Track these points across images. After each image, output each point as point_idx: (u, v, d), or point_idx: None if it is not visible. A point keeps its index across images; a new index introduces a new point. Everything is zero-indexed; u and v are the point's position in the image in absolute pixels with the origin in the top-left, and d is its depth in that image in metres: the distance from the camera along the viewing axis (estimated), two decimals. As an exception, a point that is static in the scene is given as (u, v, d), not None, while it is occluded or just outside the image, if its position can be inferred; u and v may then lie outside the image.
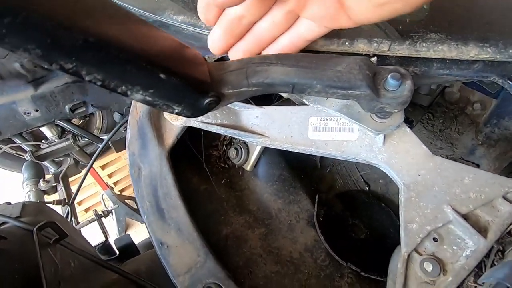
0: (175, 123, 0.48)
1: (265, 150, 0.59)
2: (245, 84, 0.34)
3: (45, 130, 1.64)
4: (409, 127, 0.78)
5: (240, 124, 0.50)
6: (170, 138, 0.49)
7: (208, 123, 0.48)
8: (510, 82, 0.42)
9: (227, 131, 0.48)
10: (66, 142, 1.64)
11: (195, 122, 0.47)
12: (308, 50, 0.47)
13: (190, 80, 0.29)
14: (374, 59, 0.42)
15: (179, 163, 0.51)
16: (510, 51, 0.40)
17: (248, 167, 0.58)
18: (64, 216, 1.41)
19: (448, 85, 0.70)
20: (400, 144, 0.44)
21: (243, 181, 0.59)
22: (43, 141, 1.72)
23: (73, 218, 1.51)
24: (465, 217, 0.40)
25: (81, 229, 1.40)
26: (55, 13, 0.19)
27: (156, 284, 0.57)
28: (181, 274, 0.42)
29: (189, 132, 0.56)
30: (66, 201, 1.38)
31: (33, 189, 1.47)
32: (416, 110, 0.75)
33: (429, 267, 0.38)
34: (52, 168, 1.76)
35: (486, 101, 0.76)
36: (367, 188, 0.68)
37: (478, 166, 0.79)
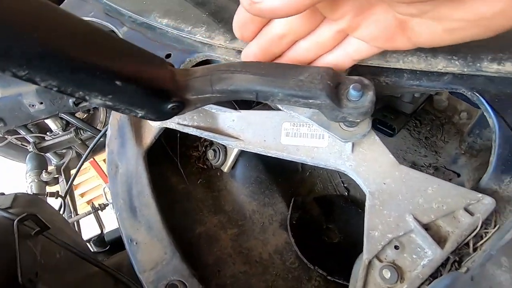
0: (153, 123, 0.49)
1: (243, 153, 0.60)
2: (209, 91, 0.35)
3: (50, 123, 1.66)
4: (391, 134, 0.80)
5: (216, 127, 0.51)
6: (149, 138, 0.51)
7: (185, 125, 0.49)
8: (478, 95, 0.43)
9: (203, 133, 0.49)
10: (69, 135, 1.67)
11: (172, 124, 0.48)
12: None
13: (149, 86, 0.30)
14: (347, 68, 0.43)
15: (160, 163, 0.52)
16: (478, 64, 0.41)
17: (225, 168, 0.59)
18: (61, 208, 1.44)
19: (432, 93, 0.70)
20: (368, 153, 0.44)
21: (221, 182, 0.61)
22: (47, 133, 1.74)
23: (71, 210, 1.54)
24: (426, 227, 0.41)
25: (84, 221, 1.43)
26: (4, 22, 0.20)
27: (134, 279, 0.58)
28: (146, 270, 0.43)
29: (171, 133, 0.57)
30: (60, 193, 1.41)
31: (35, 180, 1.51)
32: (399, 117, 0.75)
33: (387, 274, 0.39)
34: (54, 160, 1.79)
35: (472, 111, 0.76)
36: (346, 193, 0.69)
37: (459, 175, 0.80)
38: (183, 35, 0.55)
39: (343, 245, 0.59)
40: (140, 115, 0.32)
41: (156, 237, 0.45)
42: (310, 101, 0.35)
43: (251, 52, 0.37)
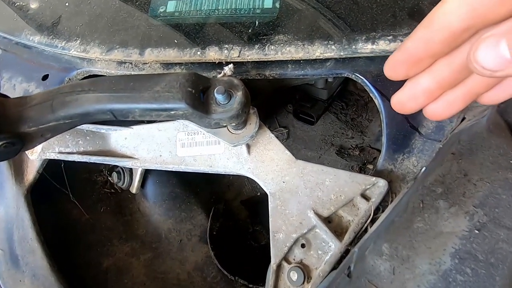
0: (31, 157, 0.44)
1: (152, 170, 0.56)
2: (52, 118, 0.30)
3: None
4: (312, 122, 0.80)
5: (108, 148, 0.46)
6: (31, 173, 0.45)
7: (68, 153, 0.44)
8: (361, 77, 0.42)
9: (91, 159, 0.44)
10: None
11: (51, 154, 0.43)
12: (165, 62, 0.44)
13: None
14: (230, 66, 0.40)
15: (55, 197, 0.47)
16: (354, 46, 0.40)
17: (134, 189, 0.55)
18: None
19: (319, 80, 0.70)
20: (264, 152, 0.42)
21: (133, 204, 0.56)
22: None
23: None
24: (329, 219, 0.40)
25: None
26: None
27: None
28: (33, 328, 0.38)
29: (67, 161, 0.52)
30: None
31: None
32: (316, 105, 0.75)
33: (294, 276, 0.37)
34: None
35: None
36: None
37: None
38: (59, 52, 0.49)
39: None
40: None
41: (43, 285, 0.40)
42: (172, 112, 0.32)
43: (420, 88, 0.28)
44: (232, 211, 0.61)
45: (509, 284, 0.26)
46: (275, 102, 0.82)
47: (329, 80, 0.72)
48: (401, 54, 0.26)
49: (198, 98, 0.32)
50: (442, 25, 0.23)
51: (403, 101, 0.29)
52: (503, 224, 0.30)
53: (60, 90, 0.31)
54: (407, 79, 0.28)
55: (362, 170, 0.76)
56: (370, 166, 0.76)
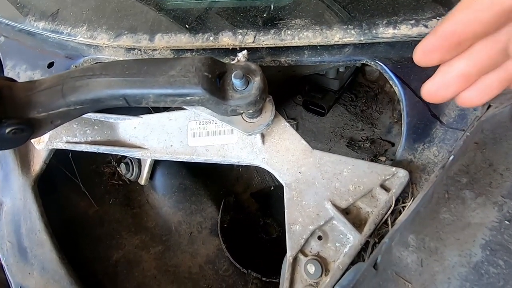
0: (38, 146, 0.42)
1: (161, 161, 0.54)
2: (63, 104, 0.29)
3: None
4: (322, 113, 0.78)
5: (117, 138, 0.45)
6: (38, 164, 0.43)
7: (76, 143, 0.42)
8: (381, 64, 0.40)
9: (99, 149, 0.43)
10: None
11: (59, 143, 0.41)
12: (175, 48, 0.43)
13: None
14: (244, 52, 0.39)
15: (62, 188, 0.45)
16: (374, 31, 0.38)
17: (142, 181, 0.54)
18: None
19: (341, 68, 0.68)
20: (280, 142, 0.41)
21: (142, 197, 0.55)
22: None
23: None
24: (347, 211, 0.39)
25: None
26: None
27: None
28: (43, 321, 0.37)
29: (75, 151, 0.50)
30: None
31: None
32: (327, 95, 0.73)
33: (312, 269, 0.36)
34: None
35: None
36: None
37: (393, 144, 0.80)
38: (64, 39, 0.48)
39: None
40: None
41: (53, 278, 0.39)
42: (188, 98, 0.30)
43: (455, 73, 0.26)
44: (242, 203, 0.60)
45: (545, 276, 0.25)
46: (283, 94, 0.81)
47: (341, 70, 0.70)
48: (437, 38, 0.24)
49: (215, 83, 0.31)
50: (492, 3, 0.21)
51: (435, 89, 0.27)
52: (534, 214, 0.29)
53: (71, 74, 0.30)
54: (440, 65, 0.27)
55: (373, 162, 0.74)
56: (382, 158, 0.75)
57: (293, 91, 0.79)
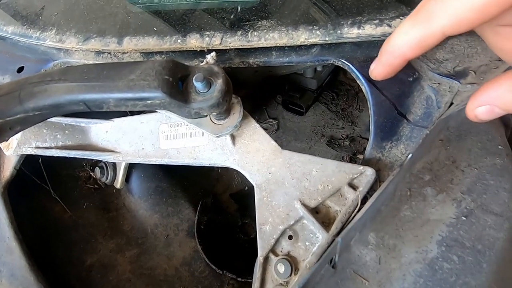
0: (7, 152, 0.42)
1: (137, 164, 0.54)
2: (21, 110, 0.29)
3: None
4: (302, 112, 0.78)
5: (88, 142, 0.45)
6: (8, 170, 0.43)
7: (46, 148, 0.42)
8: (347, 63, 0.41)
9: (70, 153, 0.43)
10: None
11: (28, 149, 0.41)
12: (144, 51, 0.42)
13: None
14: (213, 54, 0.39)
15: (34, 194, 0.45)
16: (339, 31, 0.38)
17: (118, 184, 0.53)
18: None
19: (307, 68, 0.69)
20: (250, 143, 0.41)
21: (119, 200, 0.55)
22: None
23: None
24: (316, 210, 0.39)
25: None
26: None
27: None
28: (11, 329, 0.37)
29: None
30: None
31: None
32: (305, 95, 0.74)
33: (281, 268, 0.36)
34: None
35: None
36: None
37: None
38: (34, 43, 0.47)
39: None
40: None
41: (22, 285, 0.38)
42: (149, 102, 0.30)
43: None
44: (221, 204, 0.60)
45: (496, 270, 0.25)
46: (264, 93, 0.81)
47: (318, 69, 0.71)
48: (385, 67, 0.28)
49: (176, 86, 0.31)
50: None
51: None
52: (490, 210, 0.30)
53: (29, 80, 0.30)
54: None
55: (352, 160, 0.75)
56: (361, 156, 0.76)
57: (273, 91, 0.79)
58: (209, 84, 0.31)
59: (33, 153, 0.41)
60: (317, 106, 0.86)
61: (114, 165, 0.53)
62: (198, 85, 0.31)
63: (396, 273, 0.26)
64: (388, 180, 0.33)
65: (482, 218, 0.28)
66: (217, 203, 0.60)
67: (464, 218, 0.29)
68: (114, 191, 0.55)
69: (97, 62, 0.44)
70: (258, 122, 0.76)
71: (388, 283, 0.25)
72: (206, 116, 0.35)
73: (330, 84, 0.83)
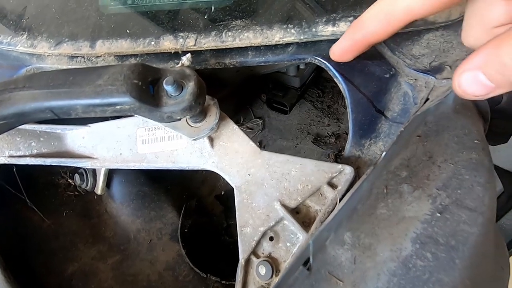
0: (-21, 161, 0.41)
1: (118, 169, 0.53)
2: None
3: None
4: (286, 111, 0.78)
5: (65, 149, 0.44)
6: (-19, 179, 0.42)
7: (20, 156, 0.41)
8: (324, 61, 0.41)
9: (46, 161, 0.42)
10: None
11: (1, 158, 0.40)
12: (118, 54, 0.41)
13: None
14: (188, 56, 0.38)
15: (11, 203, 0.44)
16: (314, 30, 0.38)
17: (98, 191, 0.53)
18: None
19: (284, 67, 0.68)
20: (229, 145, 0.41)
21: (100, 206, 0.54)
22: None
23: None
24: (297, 210, 0.39)
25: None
26: None
27: None
28: None
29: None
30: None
31: None
32: (289, 93, 0.73)
33: (263, 270, 0.36)
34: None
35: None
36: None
37: None
38: (5, 48, 0.46)
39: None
40: None
41: (-2, 300, 0.38)
42: (118, 107, 0.29)
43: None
44: (206, 207, 0.60)
45: (469, 265, 0.25)
46: (249, 92, 0.80)
47: (301, 67, 0.70)
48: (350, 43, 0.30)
49: (146, 90, 0.30)
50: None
51: None
52: (465, 205, 0.30)
53: (-9, 89, 0.29)
54: None
55: (338, 157, 0.75)
56: (346, 153, 0.76)
57: (258, 90, 0.79)
58: (180, 87, 0.31)
59: (6, 162, 0.40)
60: (303, 104, 0.86)
61: (94, 171, 0.52)
62: (168, 88, 0.30)
63: (371, 272, 0.26)
64: (362, 178, 0.33)
65: (457, 214, 0.28)
66: (202, 205, 0.59)
67: (438, 215, 0.29)
68: (95, 197, 0.54)
69: (70, 67, 0.43)
70: (243, 121, 0.76)
71: (362, 283, 0.25)
72: (180, 119, 0.34)
73: (315, 82, 0.83)
